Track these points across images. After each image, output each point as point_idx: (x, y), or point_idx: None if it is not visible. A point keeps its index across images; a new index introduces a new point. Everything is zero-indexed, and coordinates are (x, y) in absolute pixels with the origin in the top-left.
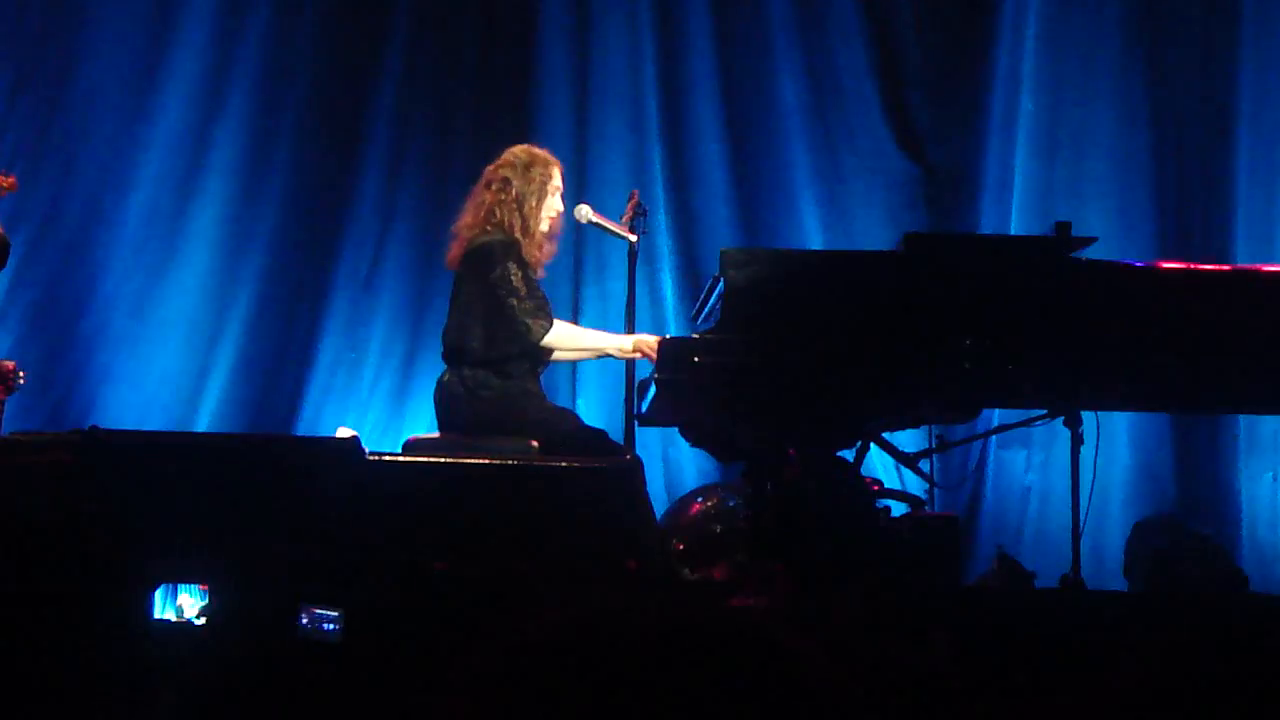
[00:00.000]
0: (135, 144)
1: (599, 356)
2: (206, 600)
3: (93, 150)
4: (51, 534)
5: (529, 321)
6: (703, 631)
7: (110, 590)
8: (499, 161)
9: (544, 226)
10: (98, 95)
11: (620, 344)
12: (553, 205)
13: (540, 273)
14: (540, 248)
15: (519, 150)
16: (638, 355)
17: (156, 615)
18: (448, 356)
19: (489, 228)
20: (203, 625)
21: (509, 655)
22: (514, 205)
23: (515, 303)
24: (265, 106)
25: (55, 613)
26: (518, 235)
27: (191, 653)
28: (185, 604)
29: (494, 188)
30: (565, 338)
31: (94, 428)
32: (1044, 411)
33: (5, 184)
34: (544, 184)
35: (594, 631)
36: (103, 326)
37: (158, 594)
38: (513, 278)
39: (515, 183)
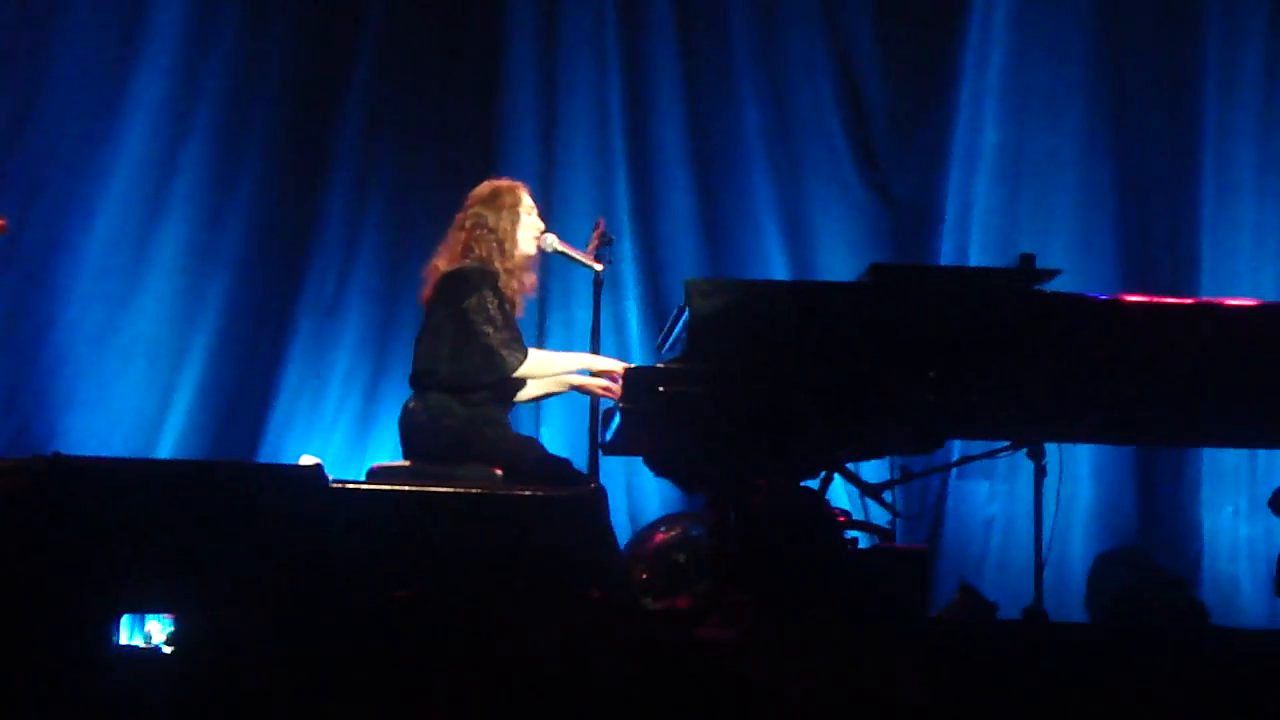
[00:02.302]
0: (99, 169)
1: (564, 391)
2: (174, 627)
3: (56, 175)
4: (13, 560)
5: (503, 353)
6: (671, 663)
7: (73, 617)
8: (465, 205)
9: (528, 249)
10: (62, 119)
11: (595, 362)
12: (531, 225)
13: (519, 311)
14: (521, 279)
15: (481, 188)
16: (601, 391)
17: (123, 642)
18: (414, 380)
19: (467, 261)
20: (169, 653)
21: (481, 677)
22: (491, 236)
23: (491, 331)
24: (230, 133)
25: (16, 639)
26: (497, 266)
27: (157, 680)
28: (153, 631)
29: (468, 225)
30: (539, 366)
31: (56, 454)
32: (1007, 443)
33: None
34: (515, 207)
35: (565, 658)
36: (65, 353)
37: (123, 621)
38: (489, 305)
39: (488, 215)
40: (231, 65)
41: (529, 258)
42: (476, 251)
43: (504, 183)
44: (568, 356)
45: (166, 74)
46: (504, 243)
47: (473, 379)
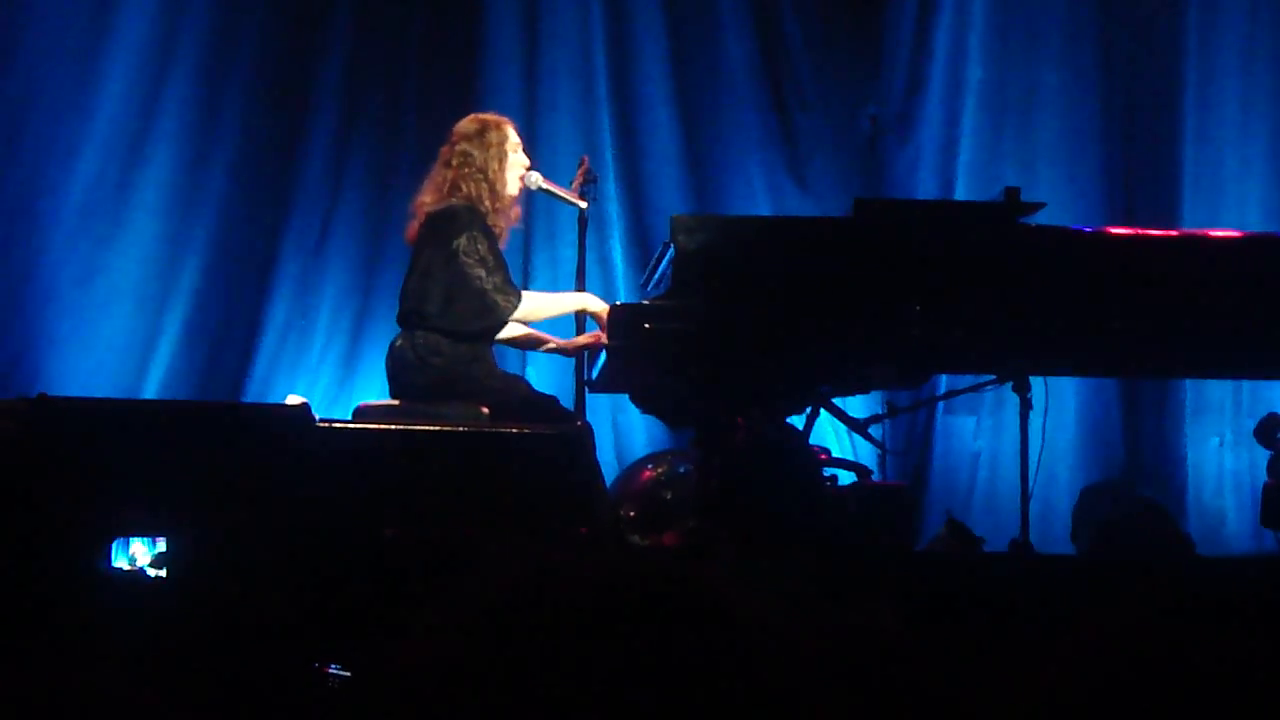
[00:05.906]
0: (80, 111)
1: (550, 351)
2: (158, 550)
3: (37, 118)
4: (1, 502)
5: (497, 298)
6: (652, 588)
7: (60, 556)
8: (452, 138)
9: (512, 189)
10: (43, 60)
11: (586, 303)
12: (518, 162)
13: (503, 242)
14: (507, 214)
15: (468, 122)
16: (591, 340)
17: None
18: (403, 319)
19: (454, 200)
20: (158, 576)
21: (467, 614)
22: (479, 175)
23: (484, 274)
24: (213, 73)
25: (5, 578)
26: (486, 205)
27: (145, 606)
28: (138, 554)
29: (455, 163)
30: (532, 310)
31: (42, 395)
32: (993, 377)
33: None
34: (502, 145)
35: (546, 586)
36: (49, 295)
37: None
38: (480, 247)
39: (475, 154)
40: (213, 5)
41: (514, 196)
42: (464, 190)
43: (491, 118)
44: (559, 297)
45: (148, 14)
46: (492, 182)
47: (466, 324)
